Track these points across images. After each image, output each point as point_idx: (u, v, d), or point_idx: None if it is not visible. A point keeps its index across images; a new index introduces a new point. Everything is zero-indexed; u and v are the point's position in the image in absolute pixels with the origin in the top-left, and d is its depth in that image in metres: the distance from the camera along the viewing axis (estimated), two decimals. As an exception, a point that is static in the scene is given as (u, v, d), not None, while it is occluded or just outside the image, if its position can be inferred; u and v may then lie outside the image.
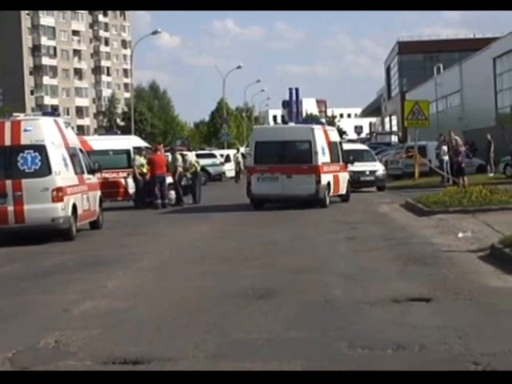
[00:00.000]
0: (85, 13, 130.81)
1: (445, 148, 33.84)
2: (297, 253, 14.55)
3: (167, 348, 7.65)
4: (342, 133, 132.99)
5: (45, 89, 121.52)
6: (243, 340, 7.94)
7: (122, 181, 28.23)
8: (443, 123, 58.66)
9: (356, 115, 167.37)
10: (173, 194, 29.00)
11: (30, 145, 17.75)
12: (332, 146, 26.95)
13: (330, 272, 11.97)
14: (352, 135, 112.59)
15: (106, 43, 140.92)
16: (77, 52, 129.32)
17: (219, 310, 9.37)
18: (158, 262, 14.22)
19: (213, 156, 52.28)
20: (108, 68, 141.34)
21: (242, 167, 55.69)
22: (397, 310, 9.05)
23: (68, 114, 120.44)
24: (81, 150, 20.71)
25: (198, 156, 40.23)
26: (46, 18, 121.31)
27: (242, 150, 65.92)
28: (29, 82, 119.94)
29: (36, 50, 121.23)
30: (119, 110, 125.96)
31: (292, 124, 31.09)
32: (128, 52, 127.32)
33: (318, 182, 24.93)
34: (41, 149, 17.75)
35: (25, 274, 13.47)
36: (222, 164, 51.81)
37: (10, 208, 17.60)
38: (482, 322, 8.40)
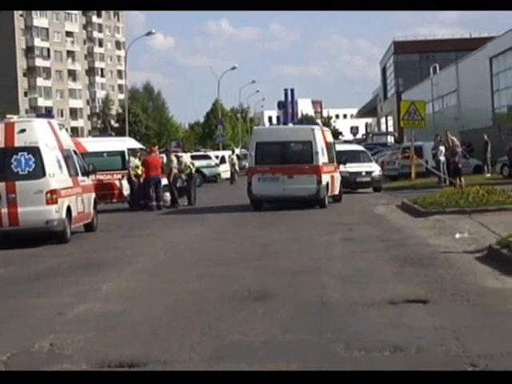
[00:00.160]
0: (78, 14, 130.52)
1: (442, 148, 33.81)
2: (293, 254, 14.50)
3: (163, 351, 7.61)
4: (337, 133, 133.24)
5: (38, 90, 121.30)
6: (239, 342, 7.90)
7: (117, 183, 28.16)
8: (440, 123, 58.65)
9: (352, 116, 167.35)
10: (168, 195, 28.95)
11: (23, 147, 17.69)
12: (329, 146, 27.20)
13: (327, 273, 11.93)
14: (348, 136, 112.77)
15: (100, 44, 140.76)
16: (70, 53, 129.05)
17: (215, 313, 9.34)
18: (153, 264, 14.16)
19: (208, 157, 52.21)
20: (102, 69, 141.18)
21: (237, 168, 55.71)
22: (393, 312, 9.01)
23: (62, 115, 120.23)
24: (75, 152, 20.64)
25: (192, 157, 40.22)
26: (40, 19, 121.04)
27: (237, 151, 65.89)
28: (22, 83, 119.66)
29: (29, 51, 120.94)
30: (113, 112, 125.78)
31: (291, 125, 31.10)
32: (122, 53, 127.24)
33: (319, 182, 25.15)
34: (35, 151, 17.69)
35: (19, 276, 13.42)
36: (217, 165, 51.75)
37: (4, 210, 17.54)
38: (479, 323, 8.37)
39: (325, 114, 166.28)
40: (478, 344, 7.43)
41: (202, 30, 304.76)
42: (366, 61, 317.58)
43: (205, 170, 48.16)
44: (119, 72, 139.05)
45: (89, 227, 20.64)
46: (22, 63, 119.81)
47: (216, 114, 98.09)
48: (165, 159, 30.17)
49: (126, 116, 71.04)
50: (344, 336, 7.89)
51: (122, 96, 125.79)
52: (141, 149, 30.09)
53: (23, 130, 17.86)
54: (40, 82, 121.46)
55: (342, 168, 31.37)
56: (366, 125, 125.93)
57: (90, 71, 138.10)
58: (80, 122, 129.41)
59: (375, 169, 34.05)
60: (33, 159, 17.66)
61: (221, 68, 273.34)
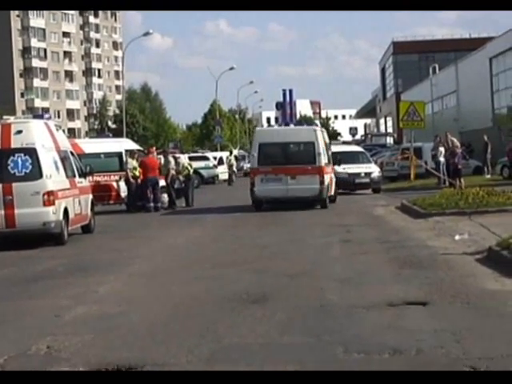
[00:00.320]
0: (75, 14, 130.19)
1: (441, 149, 33.76)
2: (291, 256, 14.47)
3: (160, 353, 7.59)
4: (336, 134, 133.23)
5: (35, 91, 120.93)
6: (237, 345, 7.87)
7: (114, 184, 28.09)
8: (439, 124, 58.49)
9: (351, 117, 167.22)
10: (165, 197, 28.88)
11: (20, 148, 17.62)
12: (327, 147, 27.34)
13: (325, 276, 11.91)
14: (347, 137, 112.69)
15: (97, 45, 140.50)
16: (67, 54, 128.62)
17: (213, 315, 9.30)
18: (150, 266, 14.11)
19: (206, 159, 52.14)
20: (99, 70, 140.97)
21: (235, 170, 55.65)
22: (393, 314, 8.98)
23: (59, 116, 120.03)
24: (72, 153, 20.58)
25: (190, 159, 40.11)
26: (36, 20, 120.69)
27: (236, 152, 65.76)
28: (19, 84, 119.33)
29: (26, 52, 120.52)
30: (111, 113, 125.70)
31: (292, 126, 31.20)
32: (119, 54, 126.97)
33: (322, 182, 25.36)
34: (31, 152, 17.62)
35: (15, 278, 13.36)
36: (215, 167, 51.68)
37: (1, 212, 17.46)
38: (479, 325, 8.35)
39: (323, 115, 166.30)
40: (479, 346, 7.40)
41: (199, 31, 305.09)
42: (365, 61, 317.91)
43: (203, 172, 48.09)
44: (116, 73, 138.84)
45: (86, 229, 20.57)
46: (18, 64, 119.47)
47: (214, 115, 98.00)
48: (162, 160, 30.08)
49: (124, 117, 70.95)
50: (343, 338, 7.85)
51: (119, 97, 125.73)
52: (138, 150, 30.03)
53: (20, 131, 17.79)
54: (37, 82, 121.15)
55: (340, 169, 31.54)
56: (365, 125, 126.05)
57: (87, 72, 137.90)
58: (77, 123, 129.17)
59: (374, 170, 33.97)
60: (29, 160, 17.58)
61: (219, 68, 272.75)
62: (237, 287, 11.06)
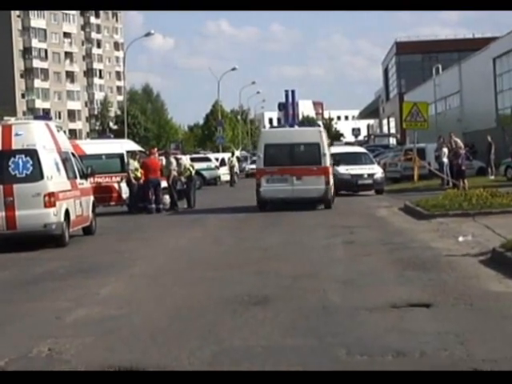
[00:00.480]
0: (76, 14, 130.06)
1: (445, 150, 33.67)
2: (293, 258, 14.42)
3: (162, 356, 7.57)
4: (339, 135, 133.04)
5: (36, 92, 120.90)
6: (239, 347, 7.84)
7: (116, 185, 28.05)
8: (442, 125, 58.32)
9: (353, 117, 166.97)
10: (167, 198, 28.84)
11: (21, 149, 17.57)
12: (328, 148, 27.45)
13: (328, 277, 11.87)
14: (349, 138, 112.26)
15: (98, 45, 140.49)
16: (68, 54, 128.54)
17: (215, 317, 9.27)
18: (151, 268, 14.07)
19: (208, 160, 52.06)
20: (100, 70, 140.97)
21: (238, 171, 55.56)
22: (396, 316, 8.95)
23: (60, 117, 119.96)
24: (73, 155, 20.54)
25: (192, 160, 40.07)
26: (37, 20, 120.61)
27: (238, 153, 65.69)
28: (20, 85, 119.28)
29: (27, 52, 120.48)
30: (112, 114, 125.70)
31: (297, 127, 31.35)
32: (120, 54, 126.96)
33: (327, 182, 25.70)
34: (32, 153, 17.58)
35: (16, 280, 13.34)
36: (217, 168, 51.59)
37: (1, 214, 17.40)
38: (483, 327, 8.33)
39: (326, 116, 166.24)
40: (483, 348, 7.38)
41: (201, 31, 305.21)
42: (368, 61, 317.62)
43: (204, 173, 48.01)
44: (118, 73, 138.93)
45: (87, 230, 20.52)
46: (19, 64, 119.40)
47: (216, 116, 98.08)
48: (164, 161, 30.06)
49: (125, 118, 71.00)
50: (345, 341, 7.83)
51: (120, 98, 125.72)
52: (140, 151, 29.98)
53: (21, 133, 17.73)
54: (38, 83, 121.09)
55: (343, 170, 31.62)
56: (368, 126, 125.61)
57: (88, 72, 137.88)
58: (78, 124, 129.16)
59: (377, 171, 33.87)
60: (30, 162, 17.53)
61: (220, 69, 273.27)
62: (239, 289, 11.03)
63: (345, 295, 10.34)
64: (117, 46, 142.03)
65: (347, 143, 73.66)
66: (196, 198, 30.23)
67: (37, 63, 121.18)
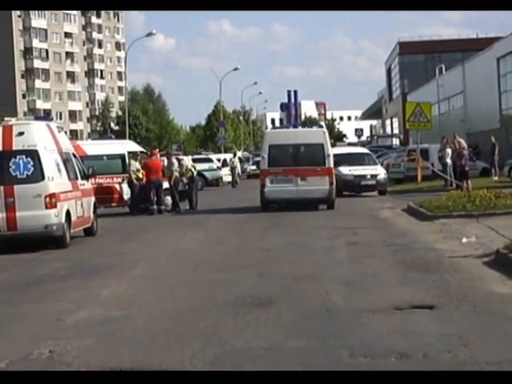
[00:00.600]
0: (77, 14, 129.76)
1: (448, 151, 33.56)
2: (296, 259, 14.39)
3: (164, 358, 7.56)
4: (341, 136, 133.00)
5: (37, 92, 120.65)
6: (242, 349, 7.83)
7: (117, 186, 27.98)
8: (446, 125, 58.18)
9: (356, 118, 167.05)
10: (169, 199, 28.77)
11: (22, 150, 17.52)
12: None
13: (331, 279, 11.84)
14: (352, 138, 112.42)
15: (100, 45, 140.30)
16: (69, 54, 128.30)
17: (217, 319, 9.25)
18: (153, 269, 14.05)
19: (210, 160, 52.00)
20: (101, 71, 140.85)
21: (240, 172, 55.48)
22: (399, 318, 8.94)
23: (61, 118, 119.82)
24: (74, 155, 20.49)
25: (194, 160, 40.01)
26: (38, 20, 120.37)
27: (240, 154, 65.61)
28: (20, 85, 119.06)
29: (27, 52, 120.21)
30: (113, 114, 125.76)
31: (300, 128, 31.45)
32: (122, 54, 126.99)
33: (331, 183, 25.93)
34: (33, 154, 17.53)
35: (17, 282, 13.31)
36: (219, 169, 51.51)
37: (2, 215, 17.36)
38: (486, 329, 8.30)
39: (329, 116, 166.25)
40: (486, 350, 7.36)
41: (202, 31, 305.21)
42: (371, 62, 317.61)
43: (206, 174, 47.97)
44: (119, 73, 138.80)
45: (88, 232, 20.47)
46: (20, 65, 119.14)
47: (218, 116, 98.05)
48: (166, 162, 29.99)
49: (126, 118, 70.92)
50: (348, 343, 7.81)
51: (121, 98, 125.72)
52: (141, 152, 29.92)
53: (21, 133, 17.71)
54: (38, 83, 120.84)
55: (346, 171, 31.66)
56: (371, 127, 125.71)
57: (90, 73, 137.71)
58: (79, 125, 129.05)
59: (380, 172, 33.77)
60: (31, 162, 17.49)
61: (222, 69, 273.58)
62: (241, 290, 11.00)
63: (347, 297, 10.31)
64: (118, 46, 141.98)
65: (350, 144, 73.62)
66: (198, 199, 30.17)
67: (38, 63, 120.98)
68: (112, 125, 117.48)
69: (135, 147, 30.68)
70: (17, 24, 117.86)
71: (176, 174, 29.25)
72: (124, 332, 8.82)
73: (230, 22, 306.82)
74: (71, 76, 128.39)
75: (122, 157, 28.34)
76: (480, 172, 39.23)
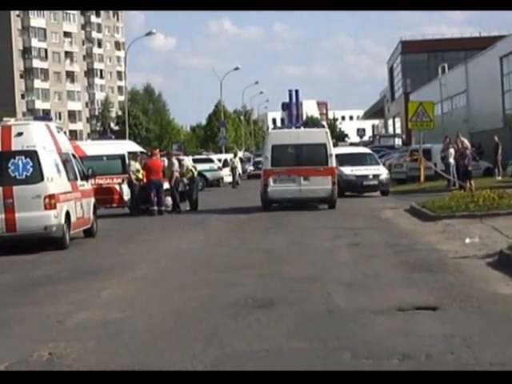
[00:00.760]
0: (76, 14, 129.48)
1: (451, 151, 33.49)
2: (297, 260, 14.36)
3: (165, 360, 7.54)
4: (343, 136, 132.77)
5: (36, 92, 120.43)
6: (243, 351, 7.82)
7: (117, 187, 27.94)
8: (448, 125, 58.10)
9: (358, 117, 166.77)
10: (169, 200, 28.71)
11: (21, 150, 17.46)
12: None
13: (333, 280, 11.80)
14: (354, 138, 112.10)
15: (99, 45, 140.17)
16: (69, 54, 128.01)
17: (218, 321, 9.21)
18: (153, 270, 14.00)
19: (210, 161, 51.96)
20: (101, 70, 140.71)
21: (240, 172, 55.40)
22: (402, 319, 8.91)
23: (60, 118, 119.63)
24: (74, 156, 20.45)
25: (194, 161, 39.97)
26: (37, 20, 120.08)
27: (241, 154, 65.49)
28: (19, 85, 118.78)
29: (26, 52, 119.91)
30: (113, 114, 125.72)
31: (302, 128, 31.66)
32: (122, 54, 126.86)
33: (334, 183, 26.32)
34: (32, 154, 17.48)
35: (16, 284, 13.27)
36: (220, 169, 51.47)
37: (1, 216, 17.30)
38: (490, 330, 8.27)
39: (330, 116, 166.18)
40: (490, 352, 7.34)
41: (203, 30, 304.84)
42: (373, 61, 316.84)
43: (207, 174, 47.95)
44: (119, 73, 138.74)
45: (88, 233, 20.41)
46: (18, 64, 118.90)
47: (218, 116, 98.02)
48: (166, 163, 29.92)
49: (126, 118, 70.91)
50: (351, 344, 7.79)
51: (121, 98, 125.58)
52: (141, 152, 29.88)
53: (20, 134, 17.64)
54: (37, 83, 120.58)
55: (348, 171, 31.70)
56: (373, 127, 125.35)
57: (89, 72, 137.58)
58: (79, 125, 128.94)
59: (382, 172, 33.70)
60: (30, 163, 17.43)
61: (223, 69, 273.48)
62: (242, 292, 10.96)
63: (349, 298, 10.28)
64: (118, 45, 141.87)
65: (352, 144, 73.49)
66: (198, 199, 30.14)
67: (37, 63, 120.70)
68: (112, 125, 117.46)
69: (135, 147, 30.64)
70: (15, 23, 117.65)
71: (176, 174, 29.19)
72: (124, 334, 8.79)
73: (231, 21, 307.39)
74: (70, 76, 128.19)
75: (121, 157, 28.29)
76: (483, 172, 39.13)
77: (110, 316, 9.84)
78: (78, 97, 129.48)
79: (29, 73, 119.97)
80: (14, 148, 17.50)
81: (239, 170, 54.09)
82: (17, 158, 17.41)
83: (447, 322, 8.68)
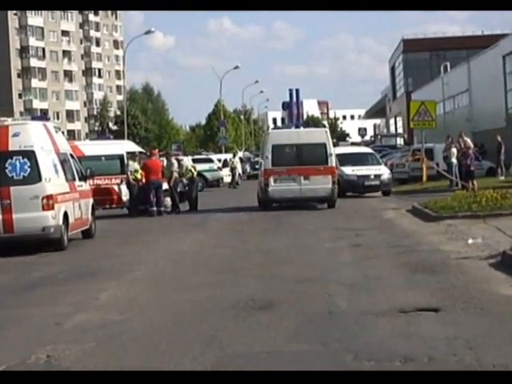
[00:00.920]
0: (74, 12, 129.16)
1: (454, 150, 33.43)
2: (298, 261, 14.33)
3: (164, 362, 7.52)
4: (344, 135, 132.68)
5: (33, 92, 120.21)
6: (243, 353, 7.80)
7: (116, 187, 27.90)
8: (451, 124, 58.06)
9: (359, 117, 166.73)
10: (168, 200, 28.66)
11: (18, 151, 17.38)
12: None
13: (334, 281, 11.77)
14: (355, 138, 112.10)
15: (97, 44, 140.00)
16: (66, 53, 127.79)
17: (218, 322, 9.19)
18: (152, 272, 13.97)
19: (210, 161, 51.91)
20: (99, 69, 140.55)
21: (240, 172, 55.32)
22: (404, 321, 8.88)
23: (58, 118, 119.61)
24: (72, 156, 20.39)
25: (194, 161, 39.92)
26: (35, 18, 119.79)
27: (241, 154, 65.39)
28: (17, 84, 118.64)
29: (24, 51, 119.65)
30: (111, 114, 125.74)
31: (302, 128, 31.83)
32: (120, 53, 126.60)
33: (334, 182, 26.68)
34: (30, 155, 17.40)
35: (13, 285, 13.23)
36: (220, 169, 51.42)
37: (-2, 217, 17.25)
38: (493, 332, 8.24)
39: (331, 115, 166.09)
40: (492, 353, 7.32)
41: (202, 29, 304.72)
42: (374, 60, 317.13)
43: (207, 174, 47.91)
44: (117, 72, 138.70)
45: (86, 234, 20.35)
46: (16, 64, 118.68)
47: (218, 116, 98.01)
48: (165, 163, 29.87)
49: (125, 118, 70.97)
50: (352, 346, 7.77)
51: (120, 97, 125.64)
52: (140, 152, 29.84)
53: (18, 134, 17.55)
54: (35, 83, 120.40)
55: (349, 171, 31.76)
56: (375, 126, 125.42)
57: (87, 72, 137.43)
58: (77, 125, 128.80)
59: (384, 172, 33.63)
60: (28, 163, 17.36)
61: (223, 68, 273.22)
62: (242, 293, 10.93)
63: (351, 299, 10.24)
64: (116, 44, 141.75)
65: (353, 143, 73.46)
66: (198, 200, 30.11)
67: (34, 62, 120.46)
68: (110, 125, 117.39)
69: (134, 147, 30.61)
70: (13, 22, 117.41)
71: (176, 174, 29.14)
72: (123, 336, 8.76)
73: (231, 20, 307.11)
74: (68, 75, 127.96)
75: (120, 157, 28.25)
76: (486, 172, 39.10)
77: (108, 318, 9.80)
78: (76, 96, 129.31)
79: (26, 72, 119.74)
80: (11, 148, 17.41)
81: (239, 170, 54.05)
82: (14, 158, 17.33)
83: (449, 323, 8.64)
